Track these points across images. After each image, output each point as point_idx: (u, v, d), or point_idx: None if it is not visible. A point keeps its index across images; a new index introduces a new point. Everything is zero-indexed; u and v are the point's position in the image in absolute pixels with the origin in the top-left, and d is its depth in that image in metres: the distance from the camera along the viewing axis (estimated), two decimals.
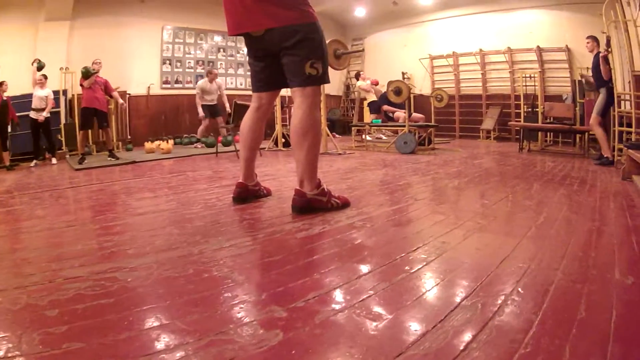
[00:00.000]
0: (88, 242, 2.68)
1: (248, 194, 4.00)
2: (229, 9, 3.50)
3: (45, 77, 9.28)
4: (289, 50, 3.41)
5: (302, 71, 3.41)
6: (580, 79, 11.12)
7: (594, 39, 7.92)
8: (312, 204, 3.48)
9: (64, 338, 1.45)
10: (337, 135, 13.92)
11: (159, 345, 1.41)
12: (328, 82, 3.64)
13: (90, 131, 9.39)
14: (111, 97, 9.70)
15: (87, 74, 8.80)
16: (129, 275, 2.05)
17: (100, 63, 9.25)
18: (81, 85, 8.99)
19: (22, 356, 1.35)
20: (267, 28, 3.37)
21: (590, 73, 8.50)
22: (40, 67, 9.25)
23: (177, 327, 1.54)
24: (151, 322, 1.59)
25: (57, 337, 1.46)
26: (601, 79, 7.61)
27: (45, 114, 8.89)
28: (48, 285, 1.93)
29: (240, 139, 4.02)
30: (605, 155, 7.52)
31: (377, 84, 13.25)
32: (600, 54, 7.52)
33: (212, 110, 11.80)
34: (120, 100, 10.03)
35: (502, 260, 2.30)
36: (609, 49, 7.51)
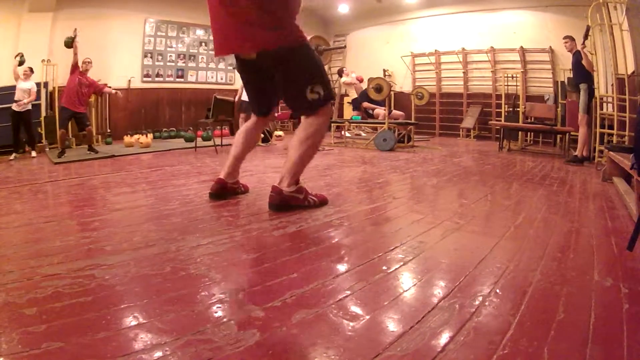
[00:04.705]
0: (66, 239, 2.66)
1: (226, 191, 3.98)
2: (217, 29, 3.53)
3: (32, 70, 9.19)
4: (284, 74, 3.43)
5: (303, 98, 3.41)
6: (564, 79, 11.22)
7: (572, 39, 8.02)
8: (289, 201, 3.48)
9: (43, 337, 1.45)
10: None
11: (137, 345, 1.41)
12: (334, 97, 3.62)
13: (70, 127, 9.36)
14: (102, 94, 9.76)
15: (69, 42, 8.76)
16: (107, 273, 2.04)
17: (90, 62, 9.16)
18: (72, 69, 8.90)
19: (1, 356, 1.34)
20: (256, 52, 3.37)
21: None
22: (21, 62, 9.14)
23: (154, 326, 1.54)
24: (129, 321, 1.59)
25: (36, 337, 1.45)
26: (581, 74, 7.71)
27: (26, 100, 8.79)
28: (26, 282, 1.92)
29: (237, 137, 4.02)
30: (575, 154, 7.61)
31: (361, 80, 13.24)
32: (580, 47, 7.63)
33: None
34: (114, 91, 9.97)
35: (480, 261, 2.32)
36: (585, 41, 7.62)
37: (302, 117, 3.57)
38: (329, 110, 3.59)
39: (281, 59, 3.36)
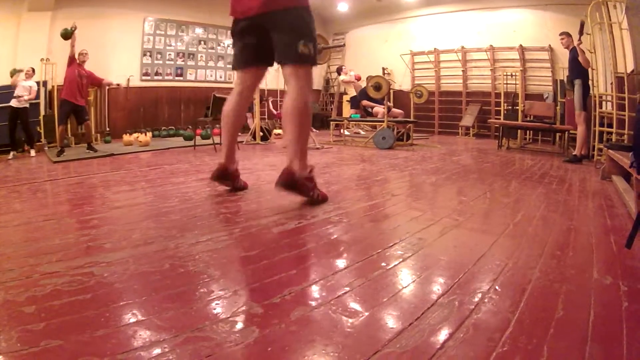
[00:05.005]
0: (65, 237, 2.66)
1: (228, 174, 4.01)
2: None
3: (33, 70, 9.20)
4: (282, 28, 3.53)
5: (294, 49, 3.49)
6: (563, 78, 11.23)
7: (568, 35, 8.01)
8: (298, 185, 3.50)
9: (42, 335, 1.45)
10: (315, 130, 13.90)
11: (136, 342, 1.41)
12: (316, 63, 3.69)
13: (69, 124, 9.37)
14: (100, 86, 9.84)
15: (66, 34, 8.73)
16: (106, 270, 2.04)
17: (86, 54, 9.16)
18: (70, 61, 8.89)
19: (0, 354, 1.34)
20: (271, 10, 3.50)
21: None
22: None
23: (153, 323, 1.54)
24: (128, 318, 1.59)
25: (35, 335, 1.45)
26: (576, 71, 7.72)
27: (26, 97, 8.78)
28: (25, 280, 1.92)
29: (223, 122, 4.03)
30: (574, 153, 7.62)
31: (359, 79, 13.24)
32: (576, 44, 7.63)
33: None
34: (114, 83, 10.04)
35: (479, 258, 2.32)
36: (581, 38, 7.62)
37: (288, 81, 3.64)
38: (310, 74, 3.68)
39: (284, 16, 3.51)
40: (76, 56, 8.92)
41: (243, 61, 3.93)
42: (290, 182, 3.47)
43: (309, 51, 3.53)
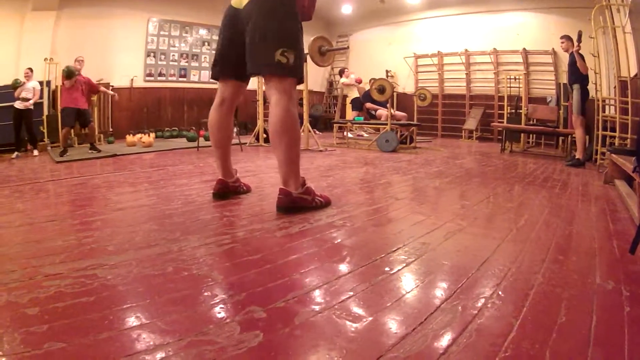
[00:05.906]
0: (68, 238, 2.66)
1: (228, 190, 3.98)
2: None
3: (31, 70, 9.21)
4: (256, 28, 3.32)
5: (271, 58, 3.28)
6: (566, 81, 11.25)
7: (568, 38, 8.04)
8: (298, 203, 3.44)
9: (45, 338, 1.44)
10: (318, 132, 13.88)
11: (140, 346, 1.41)
12: (301, 78, 3.53)
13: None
14: (97, 93, 9.86)
15: (70, 74, 8.68)
16: (109, 273, 2.04)
17: (82, 61, 9.16)
18: (63, 83, 8.89)
19: (4, 356, 1.34)
20: None
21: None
22: (16, 86, 9.10)
23: (157, 327, 1.54)
24: (131, 321, 1.59)
25: (38, 337, 1.45)
26: (576, 75, 7.78)
27: (31, 101, 8.82)
28: (28, 282, 1.92)
29: (211, 137, 3.99)
30: (577, 157, 7.63)
31: (360, 82, 13.25)
32: (574, 50, 7.65)
33: None
34: (111, 93, 10.10)
35: (483, 263, 2.32)
36: (580, 44, 7.63)
37: (271, 96, 3.44)
38: (293, 91, 3.46)
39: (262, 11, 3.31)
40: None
41: (219, 70, 3.96)
42: (289, 204, 3.41)
43: (288, 60, 3.29)
